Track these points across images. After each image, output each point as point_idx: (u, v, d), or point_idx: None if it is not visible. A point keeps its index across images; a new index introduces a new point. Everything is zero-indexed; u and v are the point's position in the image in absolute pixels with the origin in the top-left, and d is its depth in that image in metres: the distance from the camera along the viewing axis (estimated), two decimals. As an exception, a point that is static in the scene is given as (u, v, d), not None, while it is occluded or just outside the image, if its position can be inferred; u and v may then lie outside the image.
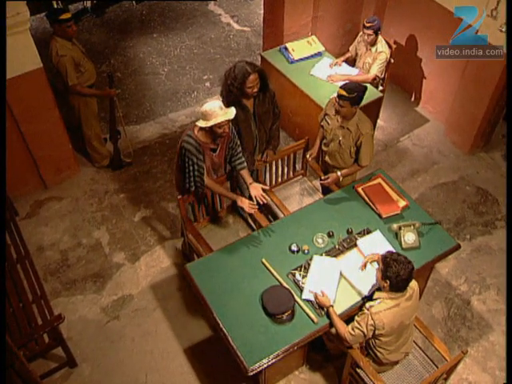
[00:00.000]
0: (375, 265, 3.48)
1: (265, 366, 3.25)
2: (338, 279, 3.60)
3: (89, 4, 7.50)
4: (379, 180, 4.27)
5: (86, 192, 5.26)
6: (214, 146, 3.87)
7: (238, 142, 3.99)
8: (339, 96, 3.93)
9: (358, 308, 3.45)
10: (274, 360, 3.26)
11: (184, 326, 4.29)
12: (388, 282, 3.11)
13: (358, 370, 3.52)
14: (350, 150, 4.18)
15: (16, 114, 4.55)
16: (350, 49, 5.55)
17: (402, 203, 4.09)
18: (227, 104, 3.77)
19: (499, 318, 4.39)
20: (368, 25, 5.02)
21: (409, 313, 3.26)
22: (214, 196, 4.26)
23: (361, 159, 4.20)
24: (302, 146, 4.59)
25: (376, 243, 3.80)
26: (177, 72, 6.69)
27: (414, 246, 3.82)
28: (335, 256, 3.75)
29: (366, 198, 4.13)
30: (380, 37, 5.18)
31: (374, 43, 5.17)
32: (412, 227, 3.86)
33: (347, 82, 4.23)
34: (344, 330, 3.30)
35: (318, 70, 5.33)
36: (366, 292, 3.52)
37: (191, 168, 3.81)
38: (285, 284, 3.56)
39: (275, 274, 3.63)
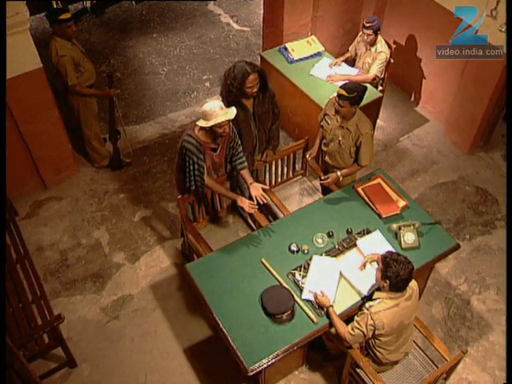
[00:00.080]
0: (375, 265, 3.48)
1: (265, 366, 3.25)
2: (337, 279, 3.60)
3: (88, 4, 7.50)
4: (379, 180, 4.27)
5: (86, 192, 5.26)
6: (215, 146, 3.87)
7: (239, 142, 3.99)
8: (339, 96, 3.93)
9: (358, 308, 3.45)
10: (273, 360, 3.26)
11: (184, 326, 4.29)
12: (388, 281, 3.11)
13: (358, 370, 3.52)
14: (349, 149, 4.18)
15: (16, 114, 4.55)
16: (350, 49, 5.55)
17: (402, 203, 4.09)
18: (227, 104, 3.77)
19: (499, 317, 4.39)
20: (368, 25, 5.02)
21: (408, 313, 3.26)
22: (214, 196, 4.26)
23: (360, 159, 4.20)
24: (302, 145, 4.59)
25: (376, 243, 3.80)
26: (176, 72, 6.69)
27: (414, 245, 3.82)
28: (335, 256, 3.75)
29: (366, 198, 4.13)
30: (380, 37, 5.18)
31: (373, 43, 5.17)
32: (412, 227, 3.86)
33: (347, 81, 4.24)
34: (344, 329, 3.30)
35: (317, 70, 5.33)
36: (365, 292, 3.52)
37: (191, 167, 3.81)
38: (284, 284, 3.56)
39: (275, 273, 3.63)
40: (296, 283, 3.59)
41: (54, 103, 4.78)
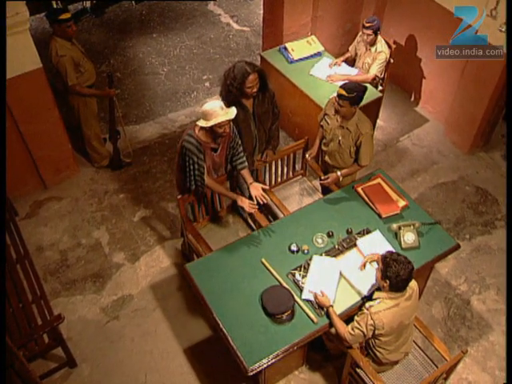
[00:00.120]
0: (375, 265, 3.48)
1: (264, 366, 3.25)
2: (337, 279, 3.60)
3: (88, 4, 7.50)
4: (379, 180, 4.27)
5: (86, 192, 5.26)
6: (215, 146, 3.87)
7: (240, 142, 3.99)
8: (339, 95, 3.93)
9: (358, 308, 3.45)
10: (273, 360, 3.26)
11: (184, 325, 4.29)
12: (388, 281, 3.11)
13: (358, 370, 3.52)
14: (349, 149, 4.18)
15: (15, 114, 4.55)
16: (350, 49, 5.55)
17: (402, 203, 4.09)
18: (227, 104, 3.77)
19: (499, 317, 4.39)
20: (367, 25, 5.02)
21: (408, 313, 3.26)
22: (214, 196, 4.26)
23: (360, 159, 4.20)
24: (302, 145, 4.59)
25: (376, 243, 3.80)
26: (176, 72, 6.69)
27: (414, 245, 3.82)
28: (335, 256, 3.75)
29: (366, 198, 4.13)
30: (379, 37, 5.18)
31: (373, 43, 5.17)
32: (412, 227, 3.86)
33: (347, 81, 4.24)
34: (344, 329, 3.30)
35: (317, 70, 5.33)
36: (365, 292, 3.52)
37: (192, 167, 3.81)
38: (284, 284, 3.56)
39: (275, 273, 3.63)
40: (296, 283, 3.59)
41: (54, 103, 4.78)
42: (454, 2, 4.83)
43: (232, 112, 3.63)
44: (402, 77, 6.26)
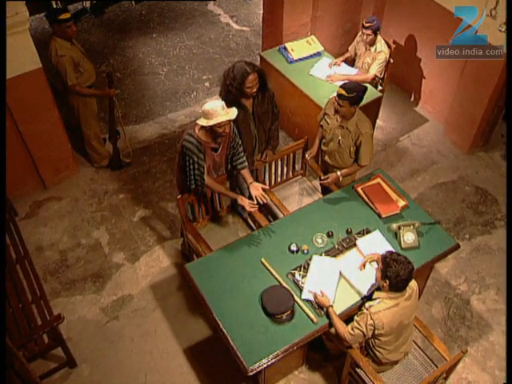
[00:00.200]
0: (374, 264, 3.48)
1: (264, 365, 3.25)
2: (337, 279, 3.60)
3: (88, 4, 7.50)
4: (378, 180, 4.27)
5: (86, 192, 5.26)
6: (216, 146, 3.87)
7: (240, 142, 3.99)
8: (338, 95, 3.93)
9: (358, 308, 3.45)
10: (273, 360, 3.26)
11: (184, 326, 4.29)
12: (387, 281, 3.11)
13: (358, 370, 3.52)
14: (349, 149, 4.18)
15: (15, 114, 4.54)
16: (350, 49, 5.55)
17: (402, 203, 4.09)
18: (227, 104, 3.77)
19: (499, 317, 4.39)
20: (367, 25, 5.02)
21: (408, 312, 3.26)
22: (214, 195, 4.26)
23: (360, 159, 4.20)
24: (302, 145, 4.59)
25: (375, 243, 3.80)
26: (176, 72, 6.69)
27: (414, 245, 3.82)
28: (335, 256, 3.75)
29: (366, 198, 4.13)
30: (379, 37, 5.18)
31: (372, 43, 5.17)
32: (411, 227, 3.86)
33: (346, 81, 4.24)
34: (343, 329, 3.30)
35: (317, 70, 5.33)
36: (365, 292, 3.52)
37: (192, 167, 3.81)
38: (284, 284, 3.56)
39: (275, 273, 3.63)
40: (296, 283, 3.59)
41: (54, 103, 4.78)
42: (454, 2, 4.83)
43: (233, 112, 3.63)
44: (402, 77, 6.26)
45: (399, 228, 3.86)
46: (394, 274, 3.06)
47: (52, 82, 4.81)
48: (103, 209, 5.12)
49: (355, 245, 3.82)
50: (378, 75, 5.29)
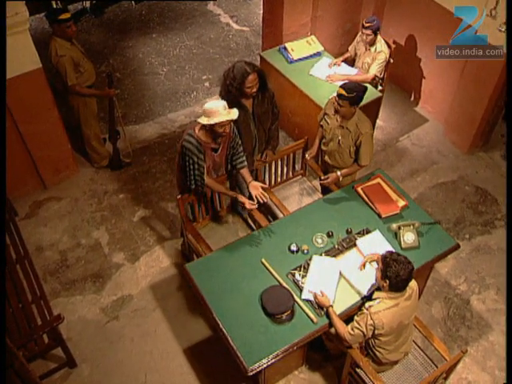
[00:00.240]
0: (374, 264, 3.48)
1: (264, 365, 3.25)
2: (337, 279, 3.60)
3: (88, 4, 7.50)
4: (378, 180, 4.27)
5: (86, 192, 5.26)
6: (216, 146, 3.87)
7: (240, 142, 4.00)
8: (338, 95, 3.93)
9: (358, 308, 3.45)
10: (273, 360, 3.26)
11: (183, 326, 4.29)
12: (387, 281, 3.11)
13: (358, 370, 3.52)
14: (349, 149, 4.18)
15: (15, 114, 4.54)
16: (350, 49, 5.55)
17: (402, 203, 4.09)
18: (226, 104, 3.78)
19: (499, 317, 4.39)
20: (367, 25, 5.02)
21: (408, 312, 3.26)
22: (214, 195, 4.26)
23: (360, 159, 4.20)
24: (302, 145, 4.59)
25: (375, 243, 3.80)
26: (176, 72, 6.69)
27: (414, 245, 3.82)
28: (334, 256, 3.75)
29: (366, 198, 4.13)
30: (379, 37, 5.18)
31: (372, 43, 5.17)
32: (411, 227, 3.86)
33: (346, 81, 4.24)
34: (343, 329, 3.30)
35: (317, 70, 5.33)
36: (365, 292, 3.52)
37: (191, 167, 3.81)
38: (284, 284, 3.56)
39: (275, 273, 3.63)
40: (296, 283, 3.59)
41: (54, 103, 4.78)
42: (454, 2, 4.83)
43: (234, 113, 3.63)
44: (402, 77, 6.26)
45: (399, 228, 3.86)
46: (394, 274, 3.06)
47: (52, 82, 4.81)
48: (103, 209, 5.12)
49: (355, 245, 3.82)
50: (378, 75, 5.29)
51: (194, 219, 4.31)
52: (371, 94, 5.00)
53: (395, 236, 3.89)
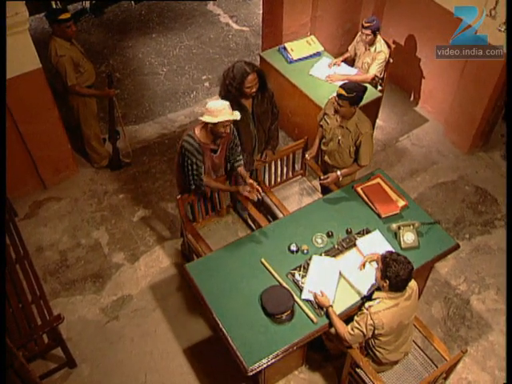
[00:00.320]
0: (374, 264, 3.48)
1: (264, 365, 3.25)
2: (337, 279, 3.60)
3: (88, 4, 7.50)
4: (378, 180, 4.27)
5: (85, 192, 5.26)
6: (215, 147, 3.87)
7: (238, 143, 4.00)
8: (338, 95, 3.93)
9: (358, 308, 3.44)
10: (273, 360, 3.26)
11: (183, 326, 4.29)
12: (387, 281, 3.11)
13: (358, 370, 3.52)
14: (349, 149, 4.18)
15: (15, 114, 4.54)
16: (349, 49, 5.55)
17: (401, 203, 4.09)
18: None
19: (498, 317, 4.39)
20: (366, 25, 5.02)
21: (408, 312, 3.26)
22: (214, 195, 4.26)
23: (360, 159, 4.20)
24: (301, 145, 4.59)
25: (375, 243, 3.80)
26: (176, 72, 6.69)
27: (414, 245, 3.82)
28: (334, 256, 3.75)
29: (366, 198, 4.13)
30: (379, 36, 5.18)
31: (372, 43, 5.17)
32: (411, 227, 3.86)
33: (346, 81, 4.24)
34: (343, 329, 3.30)
35: (317, 70, 5.33)
36: (365, 292, 3.52)
37: (190, 167, 3.81)
38: (284, 284, 3.56)
39: (274, 273, 3.63)
40: (296, 283, 3.59)
41: (54, 103, 4.78)
42: (454, 2, 4.83)
43: (237, 114, 3.65)
44: (402, 77, 6.26)
45: (399, 228, 3.86)
46: (394, 274, 3.06)
47: (52, 82, 4.81)
48: (103, 209, 5.12)
49: (355, 245, 3.82)
50: (378, 75, 5.29)
51: (193, 219, 4.31)
52: (371, 93, 5.00)
53: (395, 236, 3.89)
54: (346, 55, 5.52)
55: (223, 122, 3.58)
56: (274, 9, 5.76)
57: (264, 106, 4.14)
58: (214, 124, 3.60)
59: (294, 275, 3.63)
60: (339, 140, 4.16)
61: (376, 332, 3.20)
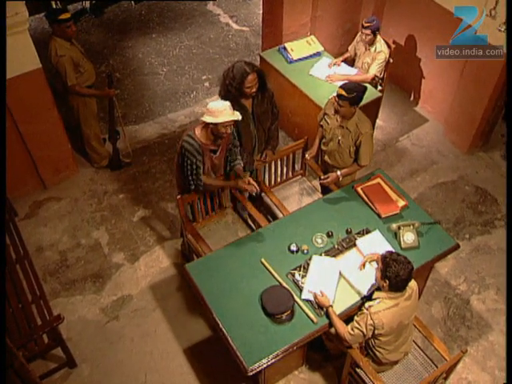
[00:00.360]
0: (374, 264, 3.48)
1: (264, 365, 3.24)
2: (337, 279, 3.60)
3: (88, 4, 7.50)
4: (378, 180, 4.27)
5: (85, 192, 5.26)
6: (215, 148, 3.87)
7: (237, 143, 4.01)
8: (338, 96, 3.93)
9: (358, 308, 3.44)
10: (273, 360, 3.26)
11: (183, 326, 4.29)
12: (387, 281, 3.11)
13: (358, 370, 3.52)
14: (349, 149, 4.18)
15: (15, 114, 4.54)
16: (349, 49, 5.55)
17: (401, 203, 4.09)
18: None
19: (498, 317, 4.39)
20: (366, 25, 5.02)
21: (408, 312, 3.26)
22: (214, 195, 4.26)
23: (360, 159, 4.20)
24: (301, 145, 4.59)
25: (375, 243, 3.80)
26: (176, 72, 6.69)
27: (414, 245, 3.81)
28: (334, 256, 3.75)
29: (366, 198, 4.13)
30: (379, 36, 5.18)
31: (372, 43, 5.17)
32: (411, 227, 3.86)
33: (346, 81, 4.23)
34: (343, 329, 3.30)
35: (317, 70, 5.33)
36: (365, 292, 3.52)
37: (189, 168, 3.81)
38: (284, 284, 3.56)
39: (274, 273, 3.63)
40: (296, 283, 3.59)
41: (54, 103, 4.78)
42: (454, 2, 4.83)
43: (238, 114, 3.65)
44: (402, 77, 6.26)
45: (399, 228, 3.86)
46: (394, 273, 3.06)
47: (52, 82, 4.81)
48: (103, 209, 5.12)
49: (355, 245, 3.82)
50: (378, 75, 5.29)
51: (193, 219, 4.31)
52: (371, 94, 5.00)
53: (395, 236, 3.89)
54: (346, 55, 5.52)
55: (224, 122, 3.58)
56: (274, 9, 5.76)
57: (264, 106, 4.14)
58: (215, 124, 3.60)
59: (294, 275, 3.63)
60: (339, 140, 4.16)
61: (376, 332, 3.20)
